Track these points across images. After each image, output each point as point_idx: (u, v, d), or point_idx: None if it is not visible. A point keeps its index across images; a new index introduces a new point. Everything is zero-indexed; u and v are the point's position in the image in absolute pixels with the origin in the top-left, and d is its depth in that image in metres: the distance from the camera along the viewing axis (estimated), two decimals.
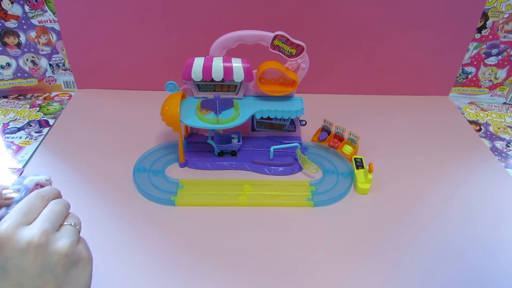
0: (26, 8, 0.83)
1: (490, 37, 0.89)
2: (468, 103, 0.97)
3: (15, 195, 0.37)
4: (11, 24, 0.84)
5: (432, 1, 0.82)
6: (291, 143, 0.72)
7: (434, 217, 0.64)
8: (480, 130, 0.88)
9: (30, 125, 0.83)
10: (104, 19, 0.84)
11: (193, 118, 0.67)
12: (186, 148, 0.74)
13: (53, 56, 0.90)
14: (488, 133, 0.87)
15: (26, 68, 0.91)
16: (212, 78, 0.66)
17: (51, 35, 0.87)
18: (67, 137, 0.79)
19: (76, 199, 0.65)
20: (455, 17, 0.85)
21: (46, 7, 0.83)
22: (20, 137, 0.79)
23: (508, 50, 0.91)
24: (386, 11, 0.84)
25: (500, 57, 0.92)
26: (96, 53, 0.89)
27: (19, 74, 0.91)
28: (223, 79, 0.66)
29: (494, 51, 0.91)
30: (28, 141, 0.78)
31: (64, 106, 0.90)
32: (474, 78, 0.96)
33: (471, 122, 0.90)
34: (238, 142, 0.71)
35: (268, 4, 0.81)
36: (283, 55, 0.66)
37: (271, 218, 0.62)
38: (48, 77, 0.93)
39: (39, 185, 0.39)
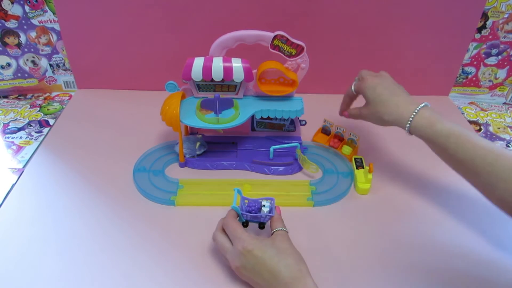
0: (26, 8, 0.83)
1: (490, 37, 0.89)
2: (468, 103, 0.97)
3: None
4: (11, 24, 0.84)
5: (432, 1, 0.83)
6: (291, 143, 0.72)
7: (434, 217, 0.64)
8: (480, 130, 0.88)
9: (31, 125, 0.83)
10: (104, 19, 0.84)
11: (193, 118, 0.67)
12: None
13: (53, 56, 0.90)
14: (488, 133, 0.87)
15: (27, 68, 0.91)
16: (212, 78, 0.66)
17: (51, 35, 0.87)
18: (67, 137, 0.79)
19: (76, 199, 0.65)
20: (455, 17, 0.85)
21: (46, 7, 0.83)
22: (21, 137, 0.79)
23: (508, 50, 0.90)
24: (386, 11, 0.84)
25: (500, 57, 0.92)
26: (96, 53, 0.89)
27: (19, 74, 0.91)
28: (223, 79, 0.66)
29: (494, 51, 0.91)
30: (29, 141, 0.78)
31: (64, 106, 0.90)
32: (474, 78, 0.96)
33: (471, 122, 0.90)
34: (269, 213, 0.55)
35: (268, 4, 0.81)
36: (283, 55, 0.66)
37: None
38: (48, 77, 0.93)
39: None
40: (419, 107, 0.57)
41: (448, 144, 0.54)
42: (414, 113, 0.57)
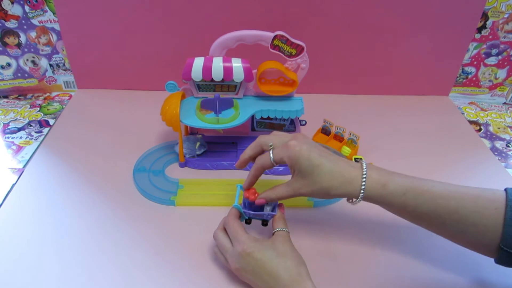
0: (26, 8, 0.83)
1: (490, 37, 0.89)
2: (468, 103, 0.97)
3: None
4: (11, 24, 0.84)
5: (432, 1, 0.83)
6: None
7: None
8: (480, 130, 0.88)
9: (31, 125, 0.83)
10: (104, 19, 0.84)
11: (193, 118, 0.67)
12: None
13: (53, 56, 0.90)
14: (488, 133, 0.87)
15: (26, 68, 0.91)
16: (212, 78, 0.66)
17: (51, 35, 0.87)
18: (67, 137, 0.79)
19: (76, 199, 0.65)
20: (455, 17, 0.85)
21: (46, 7, 0.83)
22: (21, 137, 0.80)
23: (508, 50, 0.90)
24: (386, 11, 0.84)
25: (500, 57, 0.92)
26: (96, 53, 0.89)
27: (19, 74, 0.91)
28: (223, 79, 0.66)
29: (494, 51, 0.91)
30: (29, 141, 0.78)
31: (64, 106, 0.90)
32: (474, 78, 0.96)
33: (471, 122, 0.90)
34: (272, 212, 0.54)
35: (268, 4, 0.81)
36: (283, 55, 0.66)
37: None
38: (48, 77, 0.93)
39: None
40: (365, 169, 0.48)
41: (406, 201, 0.47)
42: (364, 179, 0.48)
